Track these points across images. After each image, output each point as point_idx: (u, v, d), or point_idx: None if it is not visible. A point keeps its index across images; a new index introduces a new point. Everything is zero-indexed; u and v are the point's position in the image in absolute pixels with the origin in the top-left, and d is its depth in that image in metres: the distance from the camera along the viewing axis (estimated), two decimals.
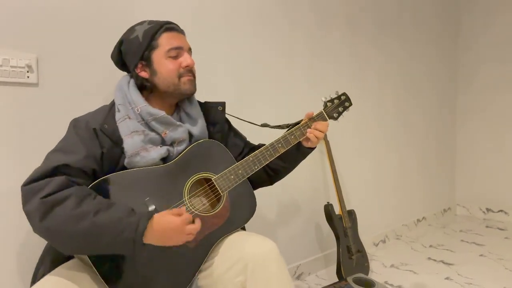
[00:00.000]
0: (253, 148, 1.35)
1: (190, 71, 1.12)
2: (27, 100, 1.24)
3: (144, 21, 1.13)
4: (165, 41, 1.09)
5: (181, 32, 1.15)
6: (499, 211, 3.11)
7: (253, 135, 1.44)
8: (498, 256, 2.32)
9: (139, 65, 1.11)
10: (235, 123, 1.38)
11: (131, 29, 1.12)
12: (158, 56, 1.09)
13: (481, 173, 3.24)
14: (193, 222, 0.99)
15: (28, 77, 1.24)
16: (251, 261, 1.00)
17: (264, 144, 1.33)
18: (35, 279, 1.01)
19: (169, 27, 1.11)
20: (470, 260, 2.27)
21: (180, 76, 1.10)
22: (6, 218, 1.21)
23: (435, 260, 2.29)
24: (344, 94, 1.35)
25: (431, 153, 3.12)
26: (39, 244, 1.24)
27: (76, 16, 1.34)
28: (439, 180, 3.21)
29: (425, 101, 3.04)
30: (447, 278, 2.03)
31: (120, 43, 1.13)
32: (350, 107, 1.35)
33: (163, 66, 1.09)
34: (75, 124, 1.04)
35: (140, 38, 1.08)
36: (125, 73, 1.20)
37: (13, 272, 1.23)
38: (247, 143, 1.37)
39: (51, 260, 1.01)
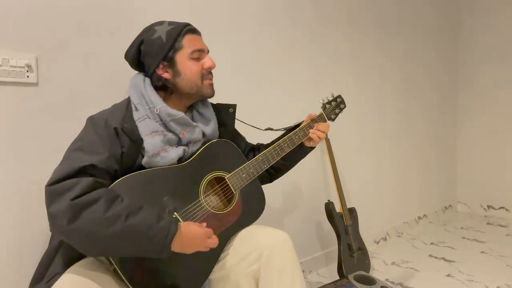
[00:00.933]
0: (253, 148, 1.40)
1: (210, 72, 1.15)
2: (26, 100, 1.24)
3: (163, 21, 1.13)
4: (188, 43, 1.10)
5: (200, 34, 1.17)
6: (500, 208, 3.11)
7: (255, 135, 1.45)
8: (499, 253, 2.32)
9: (161, 66, 1.10)
10: (237, 123, 1.39)
11: (151, 29, 1.11)
12: (182, 58, 1.10)
13: (482, 170, 3.23)
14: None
15: (27, 76, 1.24)
16: (266, 250, 1.05)
17: (263, 144, 1.39)
18: (41, 277, 1.00)
19: (191, 28, 1.13)
20: (471, 257, 2.27)
21: (202, 78, 1.12)
22: (7, 217, 1.21)
23: (436, 257, 2.29)
24: (339, 96, 1.43)
25: (432, 150, 3.12)
26: (40, 243, 1.24)
27: (75, 16, 1.33)
28: (440, 177, 3.21)
29: (426, 99, 3.03)
30: (448, 275, 2.03)
31: (141, 42, 1.12)
32: (344, 110, 1.44)
33: (187, 68, 1.10)
34: (94, 122, 1.03)
35: (163, 39, 1.08)
36: (136, 72, 1.19)
37: (12, 273, 1.23)
38: (247, 143, 1.41)
39: (63, 259, 1.00)
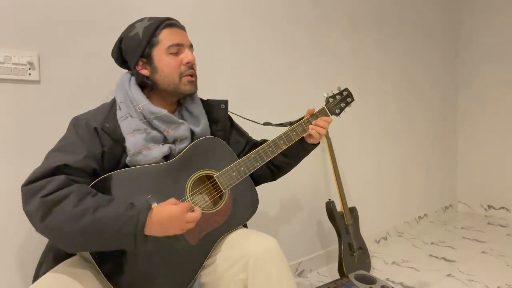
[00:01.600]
0: (256, 144, 1.35)
1: (191, 68, 1.11)
2: (28, 97, 1.24)
3: (144, 18, 1.12)
4: (166, 37, 1.08)
5: (182, 28, 1.14)
6: (500, 208, 3.11)
7: (255, 133, 1.44)
8: (500, 253, 2.32)
9: (140, 63, 1.10)
10: (237, 120, 1.38)
11: (131, 26, 1.12)
12: (159, 53, 1.08)
13: (482, 170, 3.23)
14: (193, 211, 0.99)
15: (29, 74, 1.24)
16: (252, 259, 1.00)
17: (267, 140, 1.33)
18: (37, 277, 1.01)
19: (170, 23, 1.10)
20: (471, 257, 2.27)
21: (181, 75, 1.09)
22: (7, 217, 1.21)
23: (436, 257, 2.29)
24: (346, 89, 1.33)
25: (433, 150, 3.12)
26: (39, 243, 1.24)
27: (77, 14, 1.33)
28: (440, 177, 3.21)
29: (426, 99, 3.03)
30: (448, 275, 2.03)
31: (120, 40, 1.13)
32: (353, 103, 1.33)
33: (164, 63, 1.08)
34: (75, 123, 1.04)
35: (140, 35, 1.07)
36: (126, 70, 1.19)
37: (13, 272, 1.23)
38: (249, 139, 1.37)
39: (53, 258, 1.01)
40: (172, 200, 0.96)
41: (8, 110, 1.21)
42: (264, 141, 1.36)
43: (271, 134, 1.41)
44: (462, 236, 2.68)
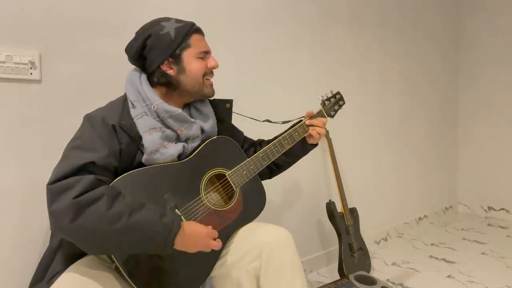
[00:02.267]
0: (254, 143, 1.41)
1: (212, 72, 1.17)
2: (30, 97, 1.24)
3: (170, 18, 1.12)
4: (196, 42, 1.12)
5: (204, 34, 1.18)
6: (500, 209, 3.11)
7: (255, 132, 1.45)
8: (500, 254, 2.32)
9: (166, 62, 1.10)
10: (237, 118, 1.39)
11: (158, 24, 1.10)
12: (189, 56, 1.11)
13: (482, 171, 3.23)
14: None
15: (31, 73, 1.24)
16: (266, 248, 1.05)
17: (264, 140, 1.39)
18: (42, 277, 1.00)
19: (198, 28, 1.14)
20: (471, 258, 2.27)
21: (204, 77, 1.14)
22: (8, 216, 1.21)
23: (436, 258, 2.29)
24: (338, 93, 1.44)
25: (433, 151, 3.12)
26: (39, 242, 1.24)
27: (79, 13, 1.33)
28: (440, 178, 3.21)
29: (427, 100, 3.03)
30: (448, 276, 2.03)
31: (148, 36, 1.09)
32: (344, 106, 1.44)
33: (192, 66, 1.11)
34: (91, 120, 1.02)
35: (172, 35, 1.08)
36: (134, 67, 1.17)
37: (13, 272, 1.23)
38: (246, 138, 1.41)
39: (64, 257, 1.00)
40: (202, 224, 1.01)
41: (10, 110, 1.21)
42: (261, 141, 1.41)
43: (269, 134, 1.42)
44: (462, 237, 2.68)
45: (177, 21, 1.12)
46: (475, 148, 3.27)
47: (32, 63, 1.23)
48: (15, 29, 1.21)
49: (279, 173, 1.43)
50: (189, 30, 1.11)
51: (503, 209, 3.09)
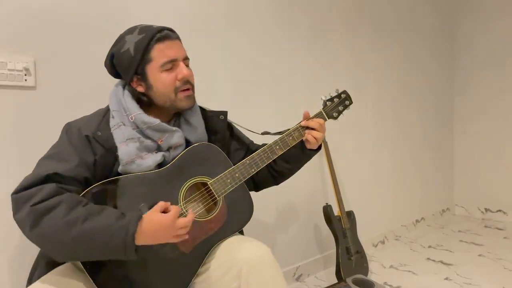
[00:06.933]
0: (258, 149, 1.33)
1: (187, 82, 1.07)
2: (24, 103, 1.24)
3: (135, 28, 1.06)
4: (159, 53, 1.03)
5: (175, 38, 1.07)
6: (497, 211, 3.11)
7: (254, 139, 1.44)
8: (497, 256, 2.32)
9: (134, 79, 1.06)
10: (239, 127, 1.37)
11: (121, 40, 1.06)
12: (153, 70, 1.04)
13: (479, 173, 3.24)
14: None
15: (25, 80, 1.24)
16: (245, 266, 0.98)
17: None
18: (30, 281, 1.00)
19: (161, 36, 1.03)
20: (469, 260, 2.27)
21: (176, 91, 1.06)
22: (5, 220, 1.20)
23: (434, 261, 2.29)
24: (344, 92, 1.31)
25: (429, 153, 3.13)
26: (35, 248, 1.24)
27: (73, 19, 1.34)
28: (437, 181, 3.22)
29: (423, 103, 3.05)
30: (446, 279, 2.03)
31: (112, 56, 1.07)
32: (351, 106, 1.32)
33: (159, 81, 1.04)
34: (68, 130, 1.02)
35: (131, 52, 1.02)
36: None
37: (6, 277, 1.22)
38: (250, 145, 1.34)
39: (45, 264, 0.99)
40: (161, 203, 0.94)
41: (4, 116, 1.21)
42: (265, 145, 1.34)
43: (270, 140, 1.41)
44: (459, 239, 2.69)
45: (141, 31, 1.04)
46: (472, 150, 3.29)
47: (27, 69, 1.23)
48: (10, 35, 1.21)
49: (284, 179, 1.36)
50: (150, 41, 1.02)
51: (500, 210, 3.10)
